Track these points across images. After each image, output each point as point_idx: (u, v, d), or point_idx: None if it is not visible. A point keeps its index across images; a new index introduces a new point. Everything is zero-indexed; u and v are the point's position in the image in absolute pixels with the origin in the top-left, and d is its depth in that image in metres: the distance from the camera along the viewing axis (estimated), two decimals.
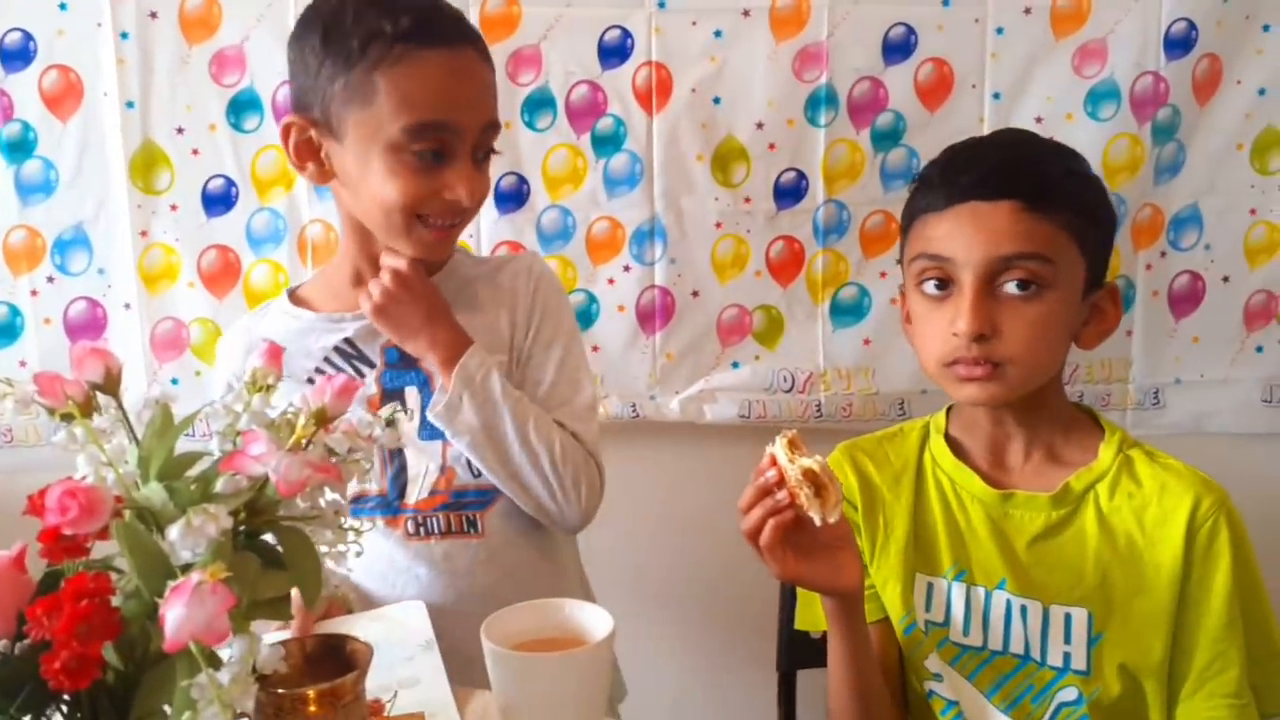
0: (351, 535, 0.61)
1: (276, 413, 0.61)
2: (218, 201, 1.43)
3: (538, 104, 1.43)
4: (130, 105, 1.39)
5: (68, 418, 0.58)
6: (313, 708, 0.64)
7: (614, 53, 1.42)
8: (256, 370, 0.62)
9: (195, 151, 1.41)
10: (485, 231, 1.46)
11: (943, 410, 1.04)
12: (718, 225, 1.47)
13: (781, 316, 1.50)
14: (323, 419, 0.61)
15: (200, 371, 1.46)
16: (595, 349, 1.48)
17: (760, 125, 1.43)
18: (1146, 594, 0.90)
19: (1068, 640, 0.92)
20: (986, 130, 1.42)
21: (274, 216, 1.44)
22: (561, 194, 1.46)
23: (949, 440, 1.01)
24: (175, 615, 0.48)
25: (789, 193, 1.46)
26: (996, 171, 0.92)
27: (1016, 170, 0.92)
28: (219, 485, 0.56)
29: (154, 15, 1.38)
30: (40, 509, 0.53)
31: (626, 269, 1.48)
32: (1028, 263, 0.89)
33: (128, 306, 1.45)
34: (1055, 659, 0.92)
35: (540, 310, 1.09)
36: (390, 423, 0.65)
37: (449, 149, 0.96)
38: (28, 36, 1.38)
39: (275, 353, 0.64)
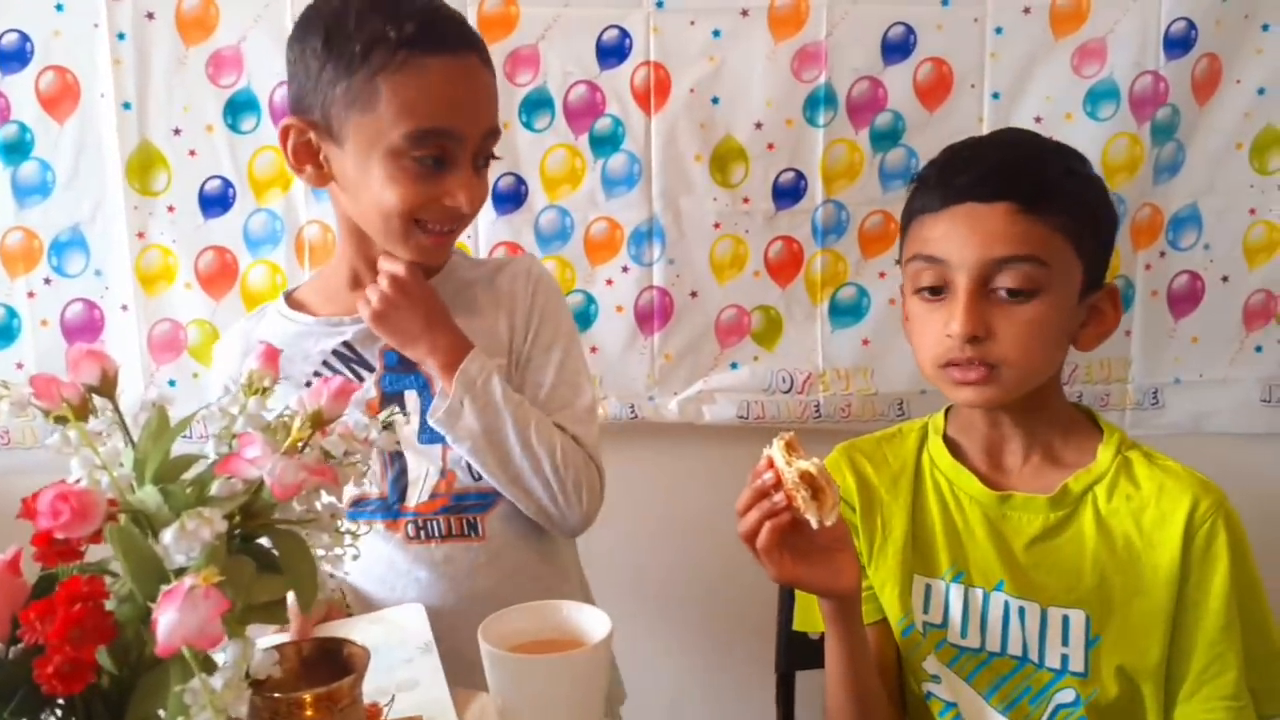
0: (348, 539, 0.61)
1: (273, 416, 0.61)
2: (215, 203, 1.43)
3: (536, 104, 1.42)
4: (127, 106, 1.39)
5: (62, 420, 0.58)
6: (309, 712, 0.64)
7: (612, 53, 1.42)
8: (253, 373, 0.62)
9: (192, 152, 1.41)
10: (483, 232, 1.46)
11: (941, 411, 1.04)
12: (716, 225, 1.47)
13: (780, 317, 1.50)
14: (319, 422, 0.61)
15: (198, 373, 1.46)
16: (594, 350, 1.48)
17: (759, 125, 1.43)
18: (1144, 596, 0.90)
19: (1065, 642, 0.92)
20: (986, 130, 1.42)
21: (271, 218, 1.44)
22: (559, 194, 1.45)
23: (947, 441, 1.01)
24: (168, 620, 0.47)
25: (788, 193, 1.46)
26: (994, 172, 0.92)
27: (1014, 171, 0.92)
28: (214, 488, 0.56)
29: (151, 16, 1.37)
30: (33, 512, 0.52)
31: (625, 269, 1.47)
32: (1021, 265, 0.89)
33: (125, 308, 1.45)
34: (1053, 661, 0.92)
35: (539, 313, 1.09)
36: (387, 426, 0.64)
37: (450, 156, 0.96)
38: (24, 37, 1.37)
39: (272, 355, 0.64)
